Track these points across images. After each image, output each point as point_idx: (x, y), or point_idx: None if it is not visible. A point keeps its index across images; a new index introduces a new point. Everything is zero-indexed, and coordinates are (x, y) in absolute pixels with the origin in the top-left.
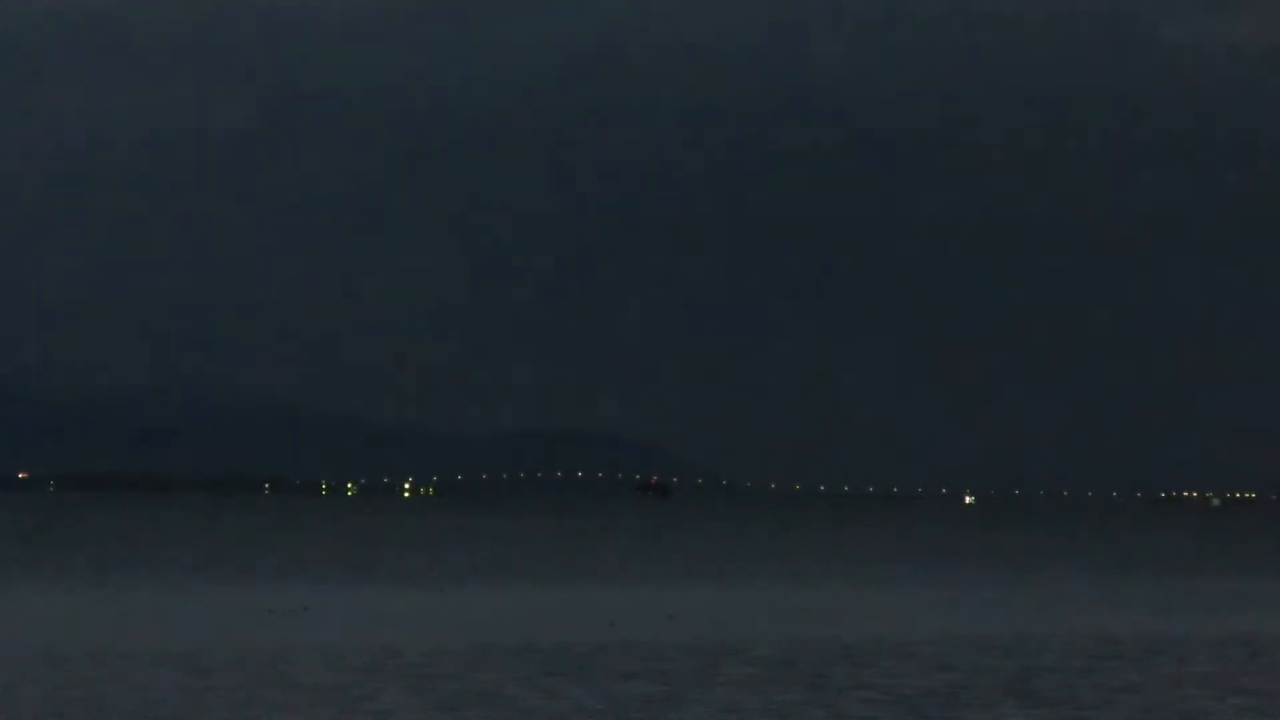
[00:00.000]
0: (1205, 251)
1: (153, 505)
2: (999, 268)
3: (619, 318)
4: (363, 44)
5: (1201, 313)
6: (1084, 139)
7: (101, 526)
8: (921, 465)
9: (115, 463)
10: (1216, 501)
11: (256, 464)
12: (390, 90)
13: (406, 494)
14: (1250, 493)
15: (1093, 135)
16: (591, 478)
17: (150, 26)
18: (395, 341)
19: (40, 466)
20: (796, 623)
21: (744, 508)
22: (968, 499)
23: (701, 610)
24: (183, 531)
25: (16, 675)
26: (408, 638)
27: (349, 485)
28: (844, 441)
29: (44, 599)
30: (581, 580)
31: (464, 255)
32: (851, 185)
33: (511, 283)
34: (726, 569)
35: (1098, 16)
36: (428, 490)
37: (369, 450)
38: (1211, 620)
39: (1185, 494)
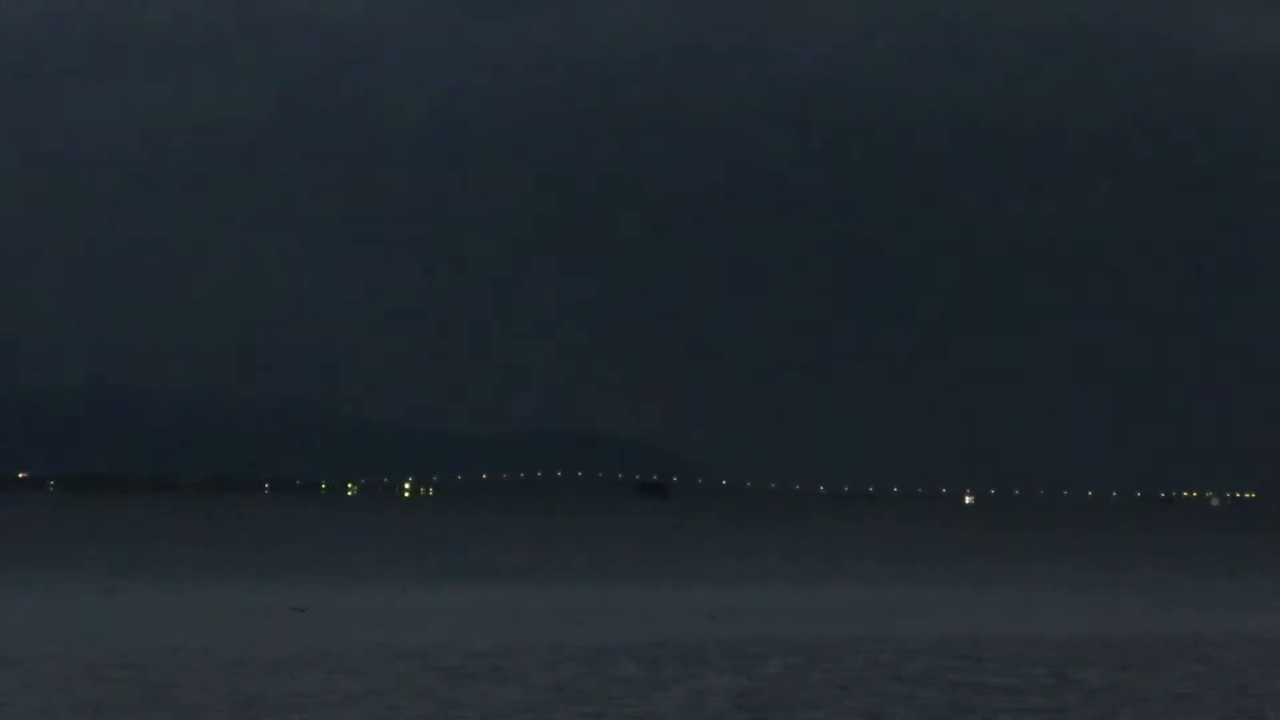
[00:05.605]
0: (1203, 251)
1: (153, 505)
2: (1000, 269)
3: (619, 318)
4: (366, 42)
5: (1202, 312)
6: (1087, 139)
7: (101, 526)
8: (921, 465)
9: (115, 463)
10: (1216, 501)
11: (256, 464)
12: (395, 88)
13: (406, 494)
14: (1250, 493)
15: (1096, 136)
16: (591, 478)
17: (150, 25)
18: (395, 341)
19: (40, 466)
20: (832, 621)
21: (745, 508)
22: (967, 499)
23: (743, 610)
24: (183, 531)
25: (21, 676)
26: (407, 637)
27: (349, 485)
28: (844, 441)
29: (44, 599)
30: (587, 581)
31: (464, 255)
32: (852, 185)
33: (512, 283)
34: (754, 570)
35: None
36: (428, 490)
37: (369, 450)
38: None
39: (1185, 494)
